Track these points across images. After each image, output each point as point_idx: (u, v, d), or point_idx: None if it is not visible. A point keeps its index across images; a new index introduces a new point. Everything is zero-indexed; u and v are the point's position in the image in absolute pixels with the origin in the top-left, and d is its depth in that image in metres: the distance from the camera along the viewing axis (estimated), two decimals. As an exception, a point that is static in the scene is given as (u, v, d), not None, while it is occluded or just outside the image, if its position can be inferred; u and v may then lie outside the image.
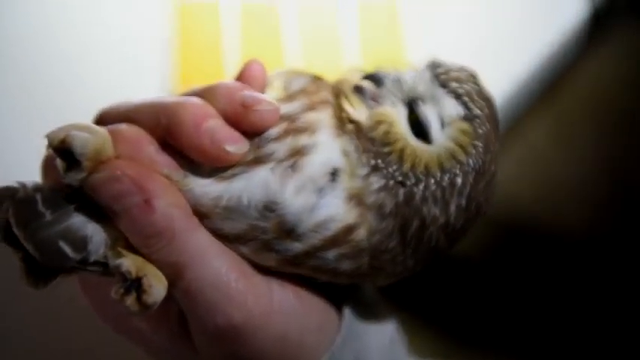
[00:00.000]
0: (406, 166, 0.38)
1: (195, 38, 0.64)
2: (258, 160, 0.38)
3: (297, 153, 0.38)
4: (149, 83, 0.63)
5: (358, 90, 0.40)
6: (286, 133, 0.39)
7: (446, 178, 0.38)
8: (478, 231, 0.43)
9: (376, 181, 0.38)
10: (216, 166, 0.38)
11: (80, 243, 0.37)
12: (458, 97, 0.39)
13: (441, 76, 0.39)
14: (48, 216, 0.37)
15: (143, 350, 0.43)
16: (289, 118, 0.39)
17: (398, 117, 0.39)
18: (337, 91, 0.41)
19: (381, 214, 0.38)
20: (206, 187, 0.38)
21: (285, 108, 0.39)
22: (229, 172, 0.38)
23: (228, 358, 0.39)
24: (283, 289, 0.40)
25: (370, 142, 0.38)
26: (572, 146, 0.69)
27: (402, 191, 0.38)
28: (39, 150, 0.39)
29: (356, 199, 0.38)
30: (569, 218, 0.49)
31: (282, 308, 0.39)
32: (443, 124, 0.39)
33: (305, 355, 0.41)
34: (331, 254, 0.38)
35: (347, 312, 0.42)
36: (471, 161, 0.38)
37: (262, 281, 0.39)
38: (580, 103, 0.69)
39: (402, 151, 0.38)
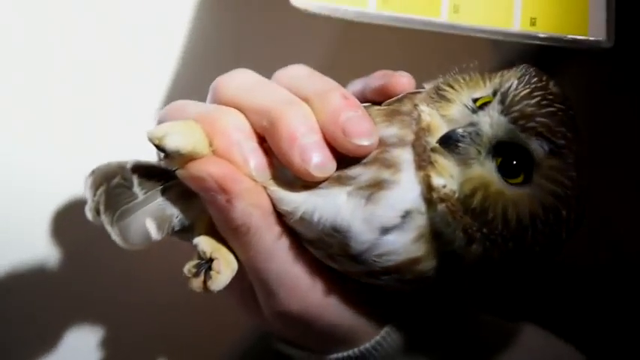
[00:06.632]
0: (512, 224, 0.38)
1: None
2: (341, 180, 0.39)
3: (377, 185, 0.39)
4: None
5: (445, 148, 0.38)
6: (374, 161, 0.39)
7: (551, 215, 0.37)
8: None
9: (479, 246, 0.38)
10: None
11: (164, 223, 0.42)
12: (539, 135, 0.37)
13: (515, 117, 0.37)
14: (140, 196, 0.42)
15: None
16: (382, 144, 0.39)
17: (489, 174, 0.38)
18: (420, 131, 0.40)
19: (487, 261, 0.39)
20: (288, 194, 0.40)
21: (382, 132, 0.40)
22: (312, 184, 0.40)
23: (289, 330, 0.45)
24: (342, 288, 0.42)
25: (468, 212, 0.38)
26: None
27: (510, 244, 0.38)
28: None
29: (425, 237, 0.39)
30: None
31: (337, 303, 0.43)
32: (533, 165, 0.38)
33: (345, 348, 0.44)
34: (392, 278, 0.40)
35: (388, 327, 0.44)
36: (569, 192, 0.37)
37: (323, 278, 0.42)
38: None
39: (504, 212, 0.38)
